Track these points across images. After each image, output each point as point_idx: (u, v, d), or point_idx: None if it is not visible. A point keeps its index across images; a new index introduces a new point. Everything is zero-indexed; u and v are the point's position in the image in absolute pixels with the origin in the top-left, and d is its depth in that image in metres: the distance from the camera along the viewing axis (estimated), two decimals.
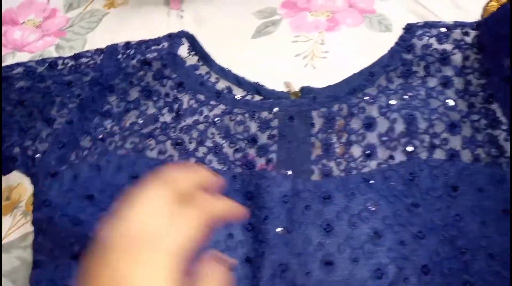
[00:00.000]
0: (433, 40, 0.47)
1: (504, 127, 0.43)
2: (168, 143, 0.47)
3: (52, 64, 0.52)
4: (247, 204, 0.42)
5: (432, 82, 0.47)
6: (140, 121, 0.49)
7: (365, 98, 0.46)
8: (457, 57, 0.46)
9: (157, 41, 0.53)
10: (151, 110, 0.49)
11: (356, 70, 0.49)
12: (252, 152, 0.46)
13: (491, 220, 0.39)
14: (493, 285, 0.37)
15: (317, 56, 0.55)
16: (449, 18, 0.48)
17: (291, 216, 0.41)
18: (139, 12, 0.66)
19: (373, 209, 0.40)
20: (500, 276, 0.36)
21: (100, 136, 0.48)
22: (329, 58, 0.54)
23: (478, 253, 0.37)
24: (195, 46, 0.53)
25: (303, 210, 0.41)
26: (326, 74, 0.51)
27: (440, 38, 0.47)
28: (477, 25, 0.47)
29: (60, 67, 0.52)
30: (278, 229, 0.40)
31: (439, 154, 0.43)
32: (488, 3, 0.56)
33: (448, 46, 0.47)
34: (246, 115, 0.48)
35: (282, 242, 0.39)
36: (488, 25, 0.46)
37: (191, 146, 0.47)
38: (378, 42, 0.53)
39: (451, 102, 0.45)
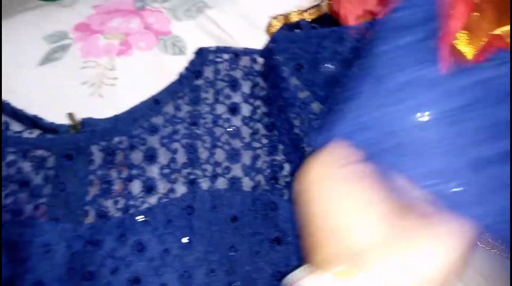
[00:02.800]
0: (223, 66, 0.47)
1: (281, 154, 0.43)
2: None
3: None
4: (9, 256, 0.38)
5: (220, 109, 0.46)
6: None
7: (147, 128, 0.44)
8: (246, 84, 0.47)
9: None
10: None
11: (146, 97, 0.47)
12: (23, 196, 0.41)
13: (264, 250, 0.39)
14: None
15: (105, 83, 0.51)
16: (248, 42, 0.48)
17: (52, 268, 0.37)
18: None
19: (140, 251, 0.38)
20: None
21: None
22: (118, 85, 0.51)
23: None
24: None
25: (68, 259, 0.37)
26: (114, 103, 0.48)
27: (230, 64, 0.47)
28: (261, 53, 0.47)
29: None
30: None
31: (221, 184, 0.43)
32: (270, 24, 0.50)
33: (237, 73, 0.47)
34: (19, 154, 0.43)
35: None
36: (264, 54, 0.47)
37: None
38: (171, 66, 0.51)
39: (233, 129, 0.45)
